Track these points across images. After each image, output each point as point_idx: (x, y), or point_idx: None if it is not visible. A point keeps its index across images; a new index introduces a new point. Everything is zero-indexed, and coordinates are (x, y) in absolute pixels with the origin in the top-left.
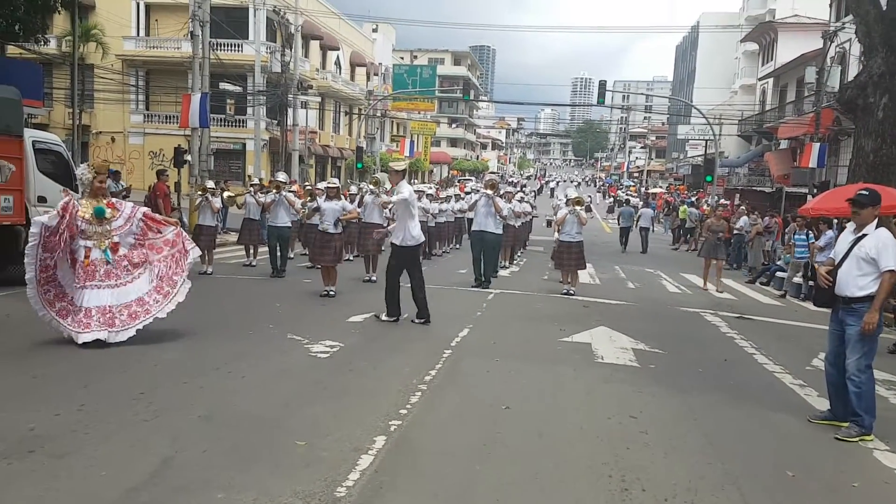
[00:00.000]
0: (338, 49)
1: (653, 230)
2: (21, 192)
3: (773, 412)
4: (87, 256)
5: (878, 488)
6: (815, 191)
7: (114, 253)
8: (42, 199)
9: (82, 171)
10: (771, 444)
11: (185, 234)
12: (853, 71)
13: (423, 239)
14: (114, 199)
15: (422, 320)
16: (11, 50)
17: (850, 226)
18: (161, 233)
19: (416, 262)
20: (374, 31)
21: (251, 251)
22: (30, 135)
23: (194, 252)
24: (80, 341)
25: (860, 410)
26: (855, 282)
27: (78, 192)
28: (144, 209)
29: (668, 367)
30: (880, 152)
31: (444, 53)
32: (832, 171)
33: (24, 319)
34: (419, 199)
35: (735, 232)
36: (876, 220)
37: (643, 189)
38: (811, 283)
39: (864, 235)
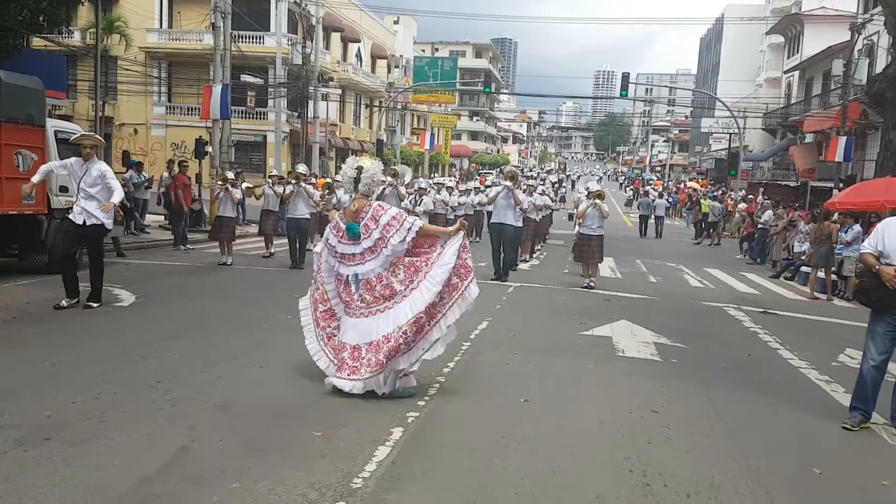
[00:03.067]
0: (359, 41)
1: (667, 218)
2: (43, 182)
3: (798, 408)
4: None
5: None
6: (841, 185)
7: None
8: (64, 189)
9: (347, 167)
10: (796, 440)
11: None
12: (881, 63)
13: None
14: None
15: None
16: (36, 42)
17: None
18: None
19: None
20: (396, 23)
21: (270, 243)
22: (52, 125)
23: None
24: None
25: None
26: None
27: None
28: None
29: (690, 361)
30: None
31: (465, 46)
32: (858, 165)
33: (43, 307)
34: (438, 191)
35: (759, 226)
36: None
37: (671, 184)
38: (860, 281)
39: None
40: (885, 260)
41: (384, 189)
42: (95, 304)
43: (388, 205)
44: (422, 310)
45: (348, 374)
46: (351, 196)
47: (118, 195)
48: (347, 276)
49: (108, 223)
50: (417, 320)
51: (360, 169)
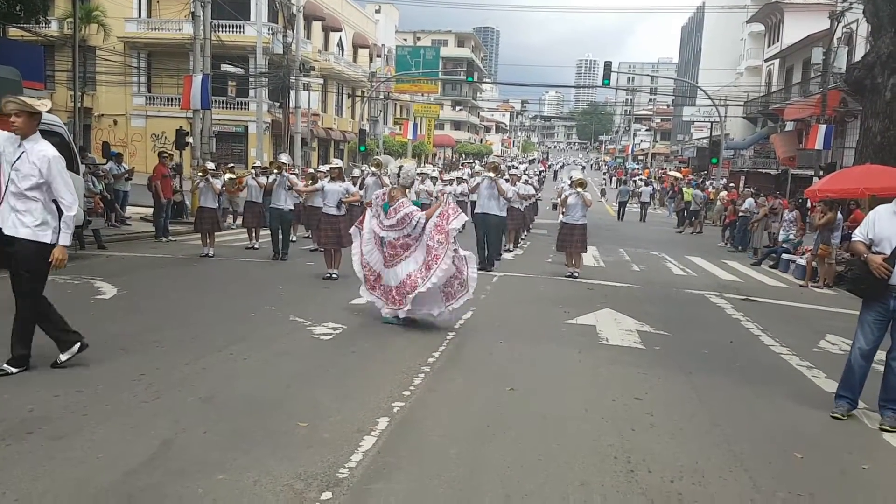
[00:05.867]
0: (340, 30)
1: (652, 206)
2: None
3: (779, 394)
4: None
5: (889, 470)
6: (821, 173)
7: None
8: None
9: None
10: (778, 425)
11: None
12: (860, 51)
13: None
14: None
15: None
16: (13, 32)
17: (890, 208)
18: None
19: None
20: (377, 11)
21: (254, 234)
22: None
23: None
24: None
25: None
26: None
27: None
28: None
29: (673, 348)
30: (888, 133)
31: (447, 35)
32: (838, 153)
33: None
34: (422, 181)
35: (740, 214)
36: None
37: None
38: (847, 272)
39: None
40: (876, 248)
41: (364, 178)
42: (14, 370)
43: (408, 202)
44: (423, 257)
45: (396, 306)
46: (391, 185)
47: (69, 209)
48: (382, 237)
49: (48, 237)
50: (425, 263)
51: (400, 167)
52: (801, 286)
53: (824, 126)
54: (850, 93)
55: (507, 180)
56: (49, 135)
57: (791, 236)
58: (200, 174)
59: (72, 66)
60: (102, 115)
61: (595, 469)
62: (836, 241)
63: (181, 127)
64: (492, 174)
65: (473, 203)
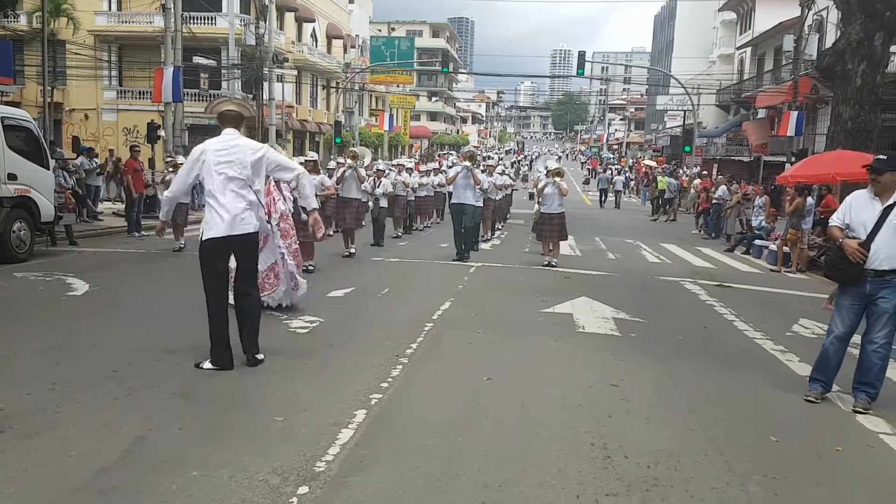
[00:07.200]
0: (313, 21)
1: (625, 194)
2: None
3: (754, 378)
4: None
5: (862, 452)
6: (793, 159)
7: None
8: (12, 177)
9: None
10: (753, 409)
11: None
12: (831, 38)
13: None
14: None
15: None
16: None
17: (866, 193)
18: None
19: None
20: (351, 2)
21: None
22: (0, 112)
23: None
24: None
25: (878, 381)
26: (894, 254)
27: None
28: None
29: (648, 335)
30: (858, 119)
31: (422, 25)
32: (810, 139)
33: None
34: (399, 172)
35: (714, 202)
36: None
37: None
38: (820, 256)
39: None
40: (852, 233)
41: (344, 172)
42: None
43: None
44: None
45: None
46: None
47: None
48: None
49: None
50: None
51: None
52: (772, 271)
53: (796, 113)
54: (821, 79)
55: (482, 170)
56: (17, 129)
57: (763, 223)
58: (171, 169)
59: (41, 61)
60: (73, 109)
61: (572, 456)
62: (808, 226)
63: (153, 120)
64: (468, 164)
65: (451, 194)
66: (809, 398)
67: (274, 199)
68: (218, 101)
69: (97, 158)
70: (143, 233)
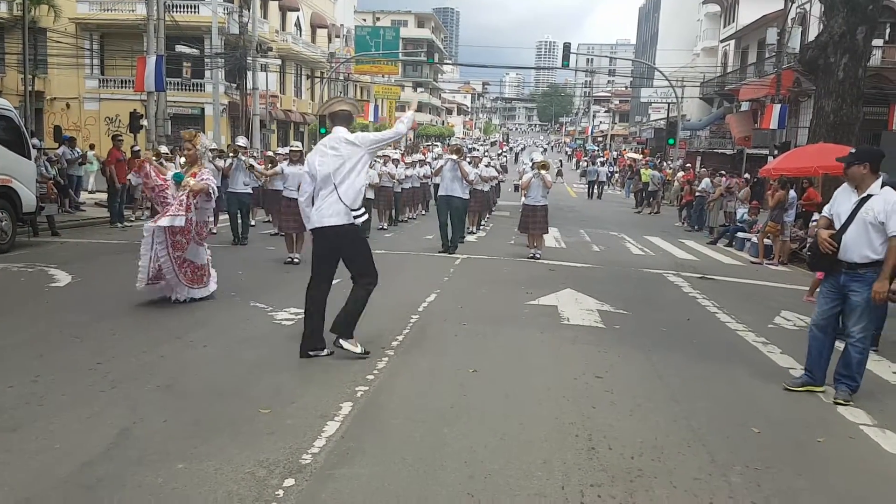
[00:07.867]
0: (297, 10)
1: (607, 185)
2: None
3: (736, 370)
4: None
5: (843, 443)
6: (776, 152)
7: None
8: None
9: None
10: (735, 401)
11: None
12: (814, 32)
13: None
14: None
15: None
16: None
17: (849, 185)
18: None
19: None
20: None
21: (214, 219)
22: None
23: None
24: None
25: (857, 374)
26: (862, 248)
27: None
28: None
29: (632, 327)
30: (840, 112)
31: (407, 15)
32: (793, 132)
33: None
34: (385, 164)
35: (697, 194)
36: (880, 180)
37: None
38: (801, 248)
39: (869, 197)
40: (837, 224)
41: None
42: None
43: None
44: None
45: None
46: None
47: None
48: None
49: None
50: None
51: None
52: (754, 263)
53: (779, 106)
54: (804, 73)
55: (469, 162)
56: None
57: (745, 216)
58: (154, 159)
59: (22, 49)
60: (55, 98)
61: (557, 447)
62: (790, 219)
63: (135, 110)
64: (454, 156)
65: (437, 186)
66: (787, 386)
67: (187, 205)
68: (331, 101)
69: (79, 148)
70: (125, 223)
